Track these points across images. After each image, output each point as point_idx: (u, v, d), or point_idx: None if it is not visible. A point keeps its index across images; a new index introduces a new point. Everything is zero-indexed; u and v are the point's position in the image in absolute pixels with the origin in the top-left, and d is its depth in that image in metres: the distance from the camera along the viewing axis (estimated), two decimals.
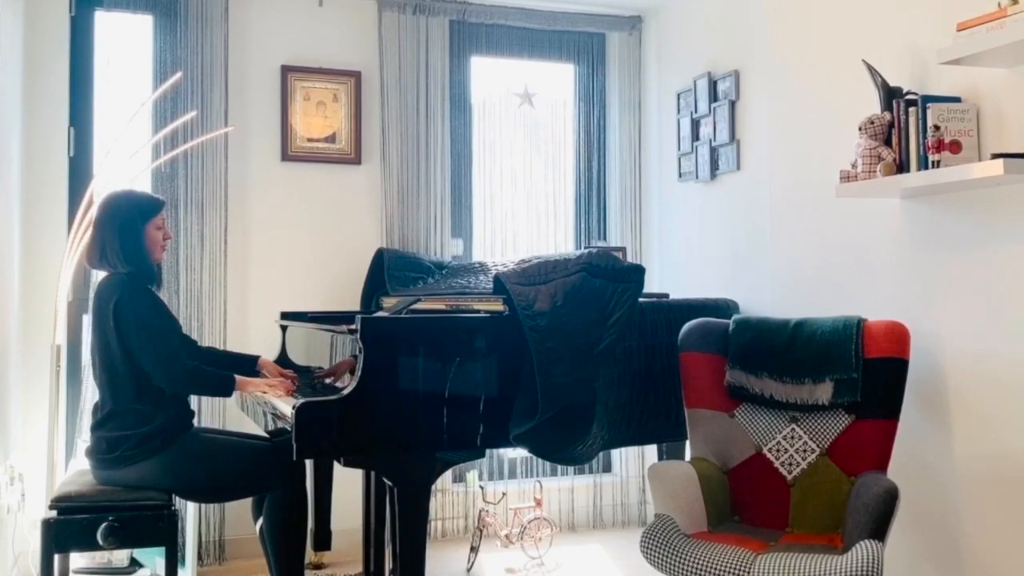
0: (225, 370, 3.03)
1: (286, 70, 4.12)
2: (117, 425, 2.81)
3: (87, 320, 3.83)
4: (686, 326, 3.12)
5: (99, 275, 3.74)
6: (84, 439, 3.67)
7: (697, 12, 4.19)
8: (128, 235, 2.90)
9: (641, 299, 3.06)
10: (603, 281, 2.93)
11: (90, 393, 3.77)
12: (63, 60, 3.82)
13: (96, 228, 2.95)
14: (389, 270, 3.88)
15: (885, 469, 2.67)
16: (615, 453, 4.65)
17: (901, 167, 2.71)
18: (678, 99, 4.31)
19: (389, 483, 2.75)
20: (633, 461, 4.58)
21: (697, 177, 4.14)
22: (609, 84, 4.68)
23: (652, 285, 4.21)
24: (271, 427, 3.25)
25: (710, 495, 2.78)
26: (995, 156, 2.35)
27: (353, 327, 2.65)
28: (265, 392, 3.01)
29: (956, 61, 2.47)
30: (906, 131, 2.69)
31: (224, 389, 2.96)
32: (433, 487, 2.85)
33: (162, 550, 2.88)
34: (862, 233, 3.11)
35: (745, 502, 2.86)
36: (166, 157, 3.79)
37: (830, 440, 2.80)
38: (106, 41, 3.95)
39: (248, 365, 3.21)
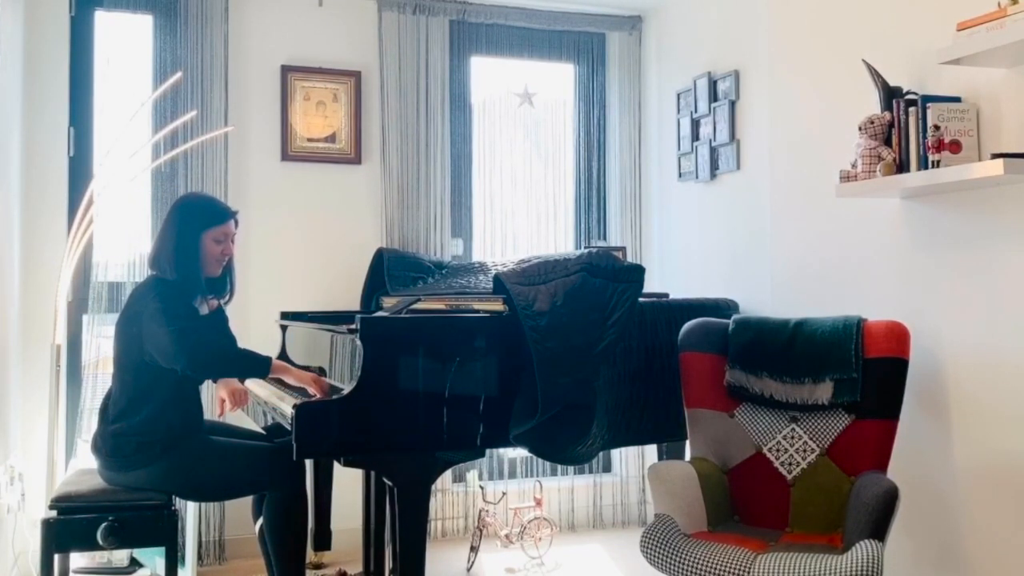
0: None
1: (286, 70, 4.12)
2: (120, 428, 2.80)
3: (87, 320, 3.84)
4: (686, 326, 3.12)
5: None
6: (84, 439, 3.67)
7: (697, 12, 4.19)
8: (182, 241, 2.82)
9: (641, 299, 3.06)
10: (603, 281, 2.92)
11: (90, 392, 3.77)
12: (63, 60, 3.82)
13: (161, 227, 2.91)
14: (389, 270, 3.87)
15: (885, 469, 2.67)
16: (615, 453, 4.64)
17: (901, 167, 2.71)
18: (678, 99, 4.31)
19: (389, 483, 2.75)
20: (633, 461, 4.58)
21: (697, 177, 4.14)
22: (609, 84, 4.68)
23: (652, 285, 4.21)
24: (268, 423, 3.25)
25: (710, 495, 2.78)
26: (995, 156, 2.35)
27: (353, 327, 2.65)
28: (299, 385, 2.90)
29: (956, 61, 2.47)
30: (906, 131, 2.68)
31: (259, 370, 2.87)
32: (433, 487, 2.86)
33: (162, 550, 2.87)
34: (862, 233, 3.11)
35: (745, 502, 2.86)
36: (166, 157, 3.79)
37: (830, 440, 2.80)
38: (106, 41, 3.95)
39: (262, 367, 2.98)
